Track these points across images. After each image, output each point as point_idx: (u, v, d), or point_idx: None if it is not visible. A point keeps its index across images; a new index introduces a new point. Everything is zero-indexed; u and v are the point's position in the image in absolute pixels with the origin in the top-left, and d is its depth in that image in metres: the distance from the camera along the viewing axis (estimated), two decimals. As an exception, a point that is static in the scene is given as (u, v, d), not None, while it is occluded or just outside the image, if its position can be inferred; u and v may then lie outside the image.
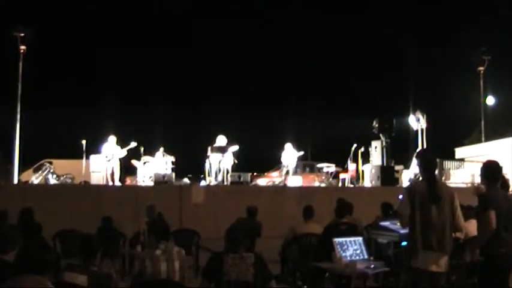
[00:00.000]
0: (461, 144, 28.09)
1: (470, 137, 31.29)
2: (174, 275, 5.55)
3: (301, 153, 19.18)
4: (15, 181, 16.97)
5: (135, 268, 5.64)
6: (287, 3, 38.11)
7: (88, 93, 33.61)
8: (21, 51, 16.93)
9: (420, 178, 5.84)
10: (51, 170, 18.57)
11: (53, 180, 18.09)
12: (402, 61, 36.20)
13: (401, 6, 34.96)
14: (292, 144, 19.26)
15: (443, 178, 18.46)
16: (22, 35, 16.87)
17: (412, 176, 16.93)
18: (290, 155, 18.90)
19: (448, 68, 32.49)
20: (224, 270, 5.14)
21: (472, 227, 6.40)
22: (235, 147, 17.73)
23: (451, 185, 17.28)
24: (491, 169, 5.88)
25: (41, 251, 4.07)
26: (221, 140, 17.65)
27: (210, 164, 17.68)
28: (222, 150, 17.44)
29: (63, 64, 33.47)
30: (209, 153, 17.65)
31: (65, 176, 18.86)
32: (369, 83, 37.16)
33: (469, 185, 18.45)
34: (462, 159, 22.14)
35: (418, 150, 18.09)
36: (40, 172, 18.61)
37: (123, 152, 17.02)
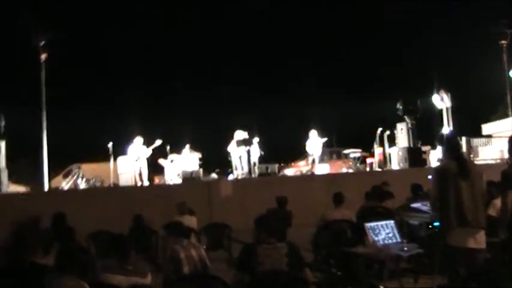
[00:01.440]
0: (488, 120, 27.70)
1: (497, 112, 30.84)
2: (206, 264, 5.67)
3: (325, 139, 19.10)
4: (46, 187, 17.18)
5: (167, 256, 5.72)
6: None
7: (111, 95, 33.83)
8: (43, 58, 17.11)
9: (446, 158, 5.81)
10: (80, 175, 18.76)
11: (82, 185, 18.29)
12: (422, 40, 35.81)
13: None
14: (317, 131, 19.20)
15: (471, 156, 18.27)
16: (43, 43, 17.06)
17: (440, 157, 16.76)
18: (315, 142, 18.84)
19: (470, 44, 32.01)
20: (258, 260, 5.15)
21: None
22: (257, 139, 17.78)
23: (480, 162, 17.23)
24: None
25: (79, 254, 4.14)
26: (239, 135, 17.70)
27: (236, 158, 17.75)
28: (247, 142, 17.49)
29: (86, 67, 33.73)
30: (232, 148, 17.72)
31: (94, 180, 19.04)
32: (390, 65, 36.84)
33: (498, 161, 18.23)
34: (490, 136, 21.86)
35: (440, 133, 17.93)
36: (70, 177, 18.81)
37: (149, 151, 17.14)
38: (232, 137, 17.84)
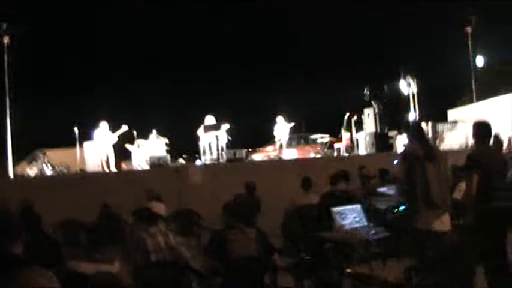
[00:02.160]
0: (454, 106, 28.09)
1: (462, 98, 31.31)
2: (175, 251, 5.63)
3: (292, 124, 19.15)
4: (11, 174, 16.91)
5: (134, 244, 5.69)
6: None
7: (77, 79, 33.38)
8: (6, 41, 16.77)
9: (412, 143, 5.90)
10: (46, 160, 18.48)
11: (48, 171, 18.02)
12: (389, 26, 36.03)
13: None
14: (284, 116, 19.24)
15: (437, 141, 18.53)
16: (5, 25, 16.71)
17: (407, 142, 16.96)
18: (282, 127, 18.90)
19: (437, 30, 32.35)
20: (227, 246, 5.17)
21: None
22: (227, 125, 17.76)
23: (446, 147, 17.49)
24: (480, 128, 5.94)
25: (46, 243, 4.09)
26: (210, 120, 17.68)
27: (204, 143, 17.71)
28: (216, 128, 17.45)
29: (51, 51, 33.14)
30: (201, 132, 17.67)
31: (60, 166, 18.78)
32: (358, 50, 37.03)
33: (464, 146, 18.53)
34: (455, 121, 22.17)
35: (405, 120, 18.16)
36: (34, 163, 18.51)
37: (115, 137, 16.94)
38: (201, 122, 17.76)
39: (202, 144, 17.82)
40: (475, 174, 5.63)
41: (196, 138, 18.02)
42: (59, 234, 8.27)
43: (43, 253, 3.94)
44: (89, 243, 4.89)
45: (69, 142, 18.98)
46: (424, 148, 5.62)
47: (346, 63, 36.86)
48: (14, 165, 18.38)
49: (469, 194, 5.71)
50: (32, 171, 18.07)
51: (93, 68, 33.51)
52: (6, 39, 16.86)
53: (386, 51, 33.18)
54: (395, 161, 6.02)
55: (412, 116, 19.25)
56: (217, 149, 17.52)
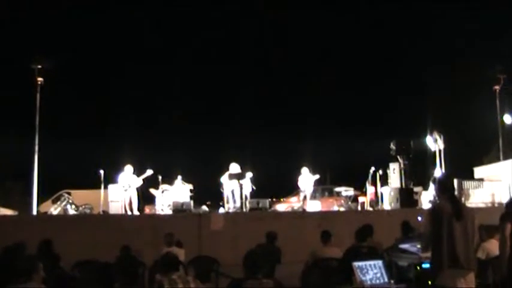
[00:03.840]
0: (480, 163, 27.81)
1: (489, 156, 30.98)
2: None
3: (317, 176, 19.11)
4: (34, 212, 17.03)
5: None
6: (310, 24, 38.20)
7: (104, 123, 33.88)
8: (39, 82, 17.10)
9: (440, 199, 5.82)
10: (70, 201, 18.63)
11: (71, 211, 18.13)
12: (418, 82, 36.15)
13: (417, 26, 35.07)
14: (310, 168, 19.21)
15: (462, 198, 18.27)
16: (39, 66, 17.07)
17: (432, 198, 16.76)
18: (307, 179, 18.85)
19: (464, 88, 32.32)
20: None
21: (493, 246, 6.32)
22: (250, 174, 17.78)
23: (471, 205, 17.21)
24: None
25: (65, 281, 4.09)
26: (234, 168, 17.71)
27: (228, 191, 17.71)
28: (240, 176, 17.47)
29: (79, 95, 33.83)
30: (224, 180, 17.70)
31: (83, 207, 18.89)
32: (385, 105, 37.10)
33: (489, 204, 18.24)
34: (481, 179, 21.89)
35: (434, 174, 17.98)
36: (59, 203, 18.68)
37: (139, 181, 17.08)
38: (226, 169, 17.82)
39: (226, 192, 17.82)
40: (508, 224, 5.51)
41: (220, 186, 18.03)
42: (76, 272, 8.26)
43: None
44: (106, 285, 4.86)
45: (94, 184, 19.09)
46: (452, 205, 5.54)
47: (374, 117, 36.93)
48: (38, 204, 18.51)
49: (502, 246, 5.58)
50: (55, 210, 18.20)
51: (120, 111, 34.03)
52: (40, 80, 17.18)
53: (414, 107, 33.15)
54: (420, 217, 5.92)
55: (438, 172, 19.04)
56: (241, 198, 17.50)
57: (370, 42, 38.12)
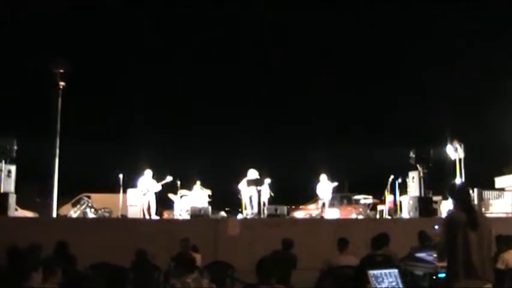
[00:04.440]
0: (501, 173, 27.47)
1: (510, 165, 30.61)
2: None
3: (335, 184, 19.06)
4: (54, 215, 17.21)
5: None
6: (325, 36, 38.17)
7: (125, 127, 34.09)
8: (61, 87, 17.30)
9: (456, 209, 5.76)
10: (89, 204, 18.78)
11: (91, 214, 18.28)
12: (438, 90, 35.86)
13: (435, 35, 34.84)
14: (329, 175, 19.18)
15: (482, 208, 18.10)
16: (62, 71, 17.27)
17: (451, 207, 16.62)
18: (325, 186, 18.81)
19: (485, 96, 32.02)
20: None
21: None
22: (268, 180, 17.79)
23: (491, 215, 17.04)
24: None
25: (80, 283, 4.12)
26: (252, 174, 17.73)
27: (245, 197, 17.74)
28: (258, 182, 17.48)
29: (100, 98, 34.08)
30: (242, 186, 17.73)
31: (102, 210, 19.05)
32: (405, 113, 36.83)
33: (510, 214, 18.04)
34: (502, 189, 21.64)
35: (449, 184, 17.81)
36: (78, 206, 18.83)
37: (158, 186, 17.19)
38: (244, 176, 17.85)
39: (244, 198, 17.86)
40: None
41: (238, 192, 18.08)
42: (91, 275, 8.32)
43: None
44: (120, 286, 4.88)
45: (114, 188, 19.25)
46: (468, 215, 5.47)
47: (394, 125, 36.68)
48: (58, 207, 18.70)
49: None
50: (75, 213, 18.37)
51: (143, 117, 34.20)
52: (61, 84, 17.37)
53: (434, 115, 32.88)
54: (436, 226, 5.86)
55: (458, 181, 18.87)
56: (259, 204, 17.51)
57: (385, 49, 37.97)
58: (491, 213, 18.13)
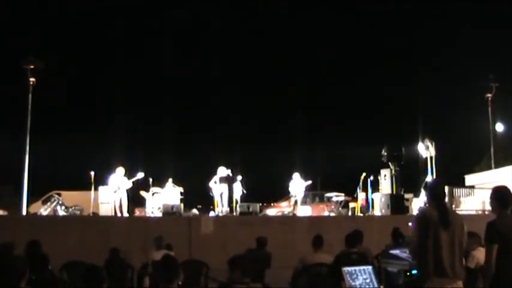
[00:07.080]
0: (471, 171, 27.86)
1: (480, 164, 31.08)
2: None
3: (309, 182, 19.14)
4: (24, 213, 16.95)
5: None
6: (302, 31, 38.30)
7: (96, 125, 33.81)
8: (31, 83, 17.04)
9: (428, 206, 5.78)
10: (60, 202, 18.54)
11: (61, 212, 18.05)
12: (410, 88, 36.26)
13: (410, 34, 35.24)
14: (301, 173, 19.23)
15: (453, 206, 18.30)
16: (32, 67, 17.01)
17: (422, 205, 16.77)
18: (298, 184, 18.86)
19: (457, 96, 32.47)
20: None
21: (482, 254, 6.30)
22: (239, 177, 17.78)
23: (462, 213, 17.24)
24: (500, 195, 5.79)
25: (52, 282, 4.04)
26: (222, 171, 17.70)
27: (216, 195, 17.70)
28: (230, 180, 17.45)
29: (71, 96, 33.75)
30: (213, 184, 17.70)
31: (73, 208, 18.83)
32: (377, 112, 37.19)
33: (480, 212, 18.27)
34: (472, 187, 21.92)
35: (425, 180, 17.99)
36: (49, 204, 18.57)
37: (129, 184, 17.03)
38: (214, 173, 17.81)
39: (216, 195, 17.81)
40: (495, 245, 5.46)
41: (209, 190, 18.03)
42: (64, 274, 8.21)
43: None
44: (92, 285, 4.81)
45: (85, 185, 19.05)
46: (439, 213, 5.48)
47: (365, 123, 37.00)
48: (28, 205, 18.43)
49: (488, 265, 5.53)
50: (45, 211, 18.12)
51: (114, 114, 33.95)
52: (32, 80, 17.10)
53: (406, 114, 33.25)
54: (410, 224, 5.88)
55: (429, 179, 19.06)
56: (231, 201, 17.49)
57: (359, 48, 38.29)
58: (461, 210, 18.32)
